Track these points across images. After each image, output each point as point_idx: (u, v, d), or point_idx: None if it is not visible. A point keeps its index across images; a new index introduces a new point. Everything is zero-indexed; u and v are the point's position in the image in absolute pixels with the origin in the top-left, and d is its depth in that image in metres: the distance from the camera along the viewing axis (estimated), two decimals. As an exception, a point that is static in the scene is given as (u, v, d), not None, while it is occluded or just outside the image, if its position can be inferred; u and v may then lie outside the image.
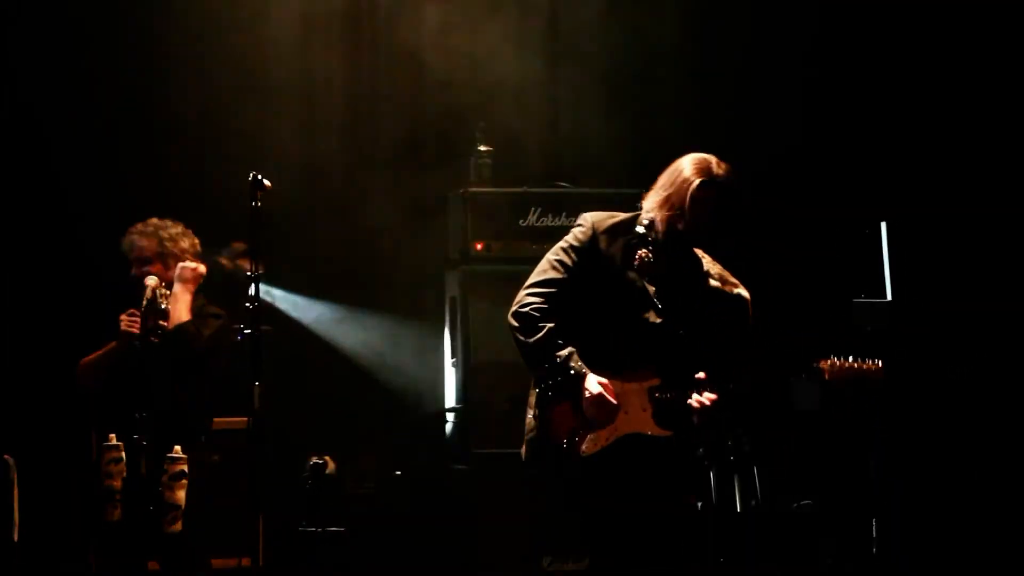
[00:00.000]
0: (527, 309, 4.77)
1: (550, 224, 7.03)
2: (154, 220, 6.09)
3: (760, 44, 7.67)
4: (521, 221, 7.14)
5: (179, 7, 7.42)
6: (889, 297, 6.67)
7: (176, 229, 6.06)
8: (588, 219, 4.85)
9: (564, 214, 7.06)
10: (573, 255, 4.79)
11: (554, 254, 4.82)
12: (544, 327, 4.74)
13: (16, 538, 6.22)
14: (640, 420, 4.73)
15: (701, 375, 4.72)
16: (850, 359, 4.71)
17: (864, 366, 4.72)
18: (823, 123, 7.64)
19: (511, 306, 4.80)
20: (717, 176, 4.72)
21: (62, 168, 7.27)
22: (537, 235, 6.96)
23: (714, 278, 4.87)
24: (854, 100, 7.64)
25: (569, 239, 4.82)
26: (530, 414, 4.85)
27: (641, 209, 4.85)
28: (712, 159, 4.77)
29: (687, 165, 4.76)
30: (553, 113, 7.74)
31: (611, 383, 4.72)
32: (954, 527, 6.90)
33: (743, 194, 4.74)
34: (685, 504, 4.84)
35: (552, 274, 4.79)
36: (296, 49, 7.51)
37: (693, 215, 4.72)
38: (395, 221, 7.50)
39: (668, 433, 4.72)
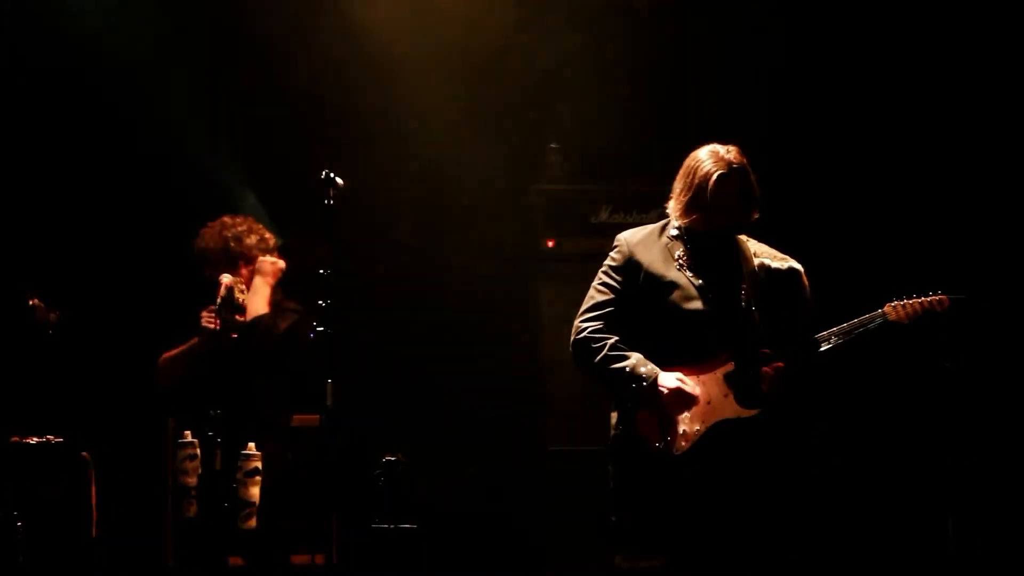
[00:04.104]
0: (584, 334, 4.85)
1: (622, 221, 6.99)
2: (224, 219, 6.10)
3: (830, 35, 7.60)
4: (592, 218, 7.12)
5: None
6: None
7: (242, 227, 6.07)
8: (621, 238, 4.98)
9: (635, 211, 7.03)
10: (615, 275, 4.89)
11: (597, 279, 4.94)
12: (604, 343, 4.81)
13: (94, 534, 6.28)
14: (724, 406, 4.77)
15: (766, 350, 4.75)
16: (913, 296, 4.83)
17: (927, 301, 4.77)
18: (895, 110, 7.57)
19: (572, 332, 4.90)
20: (731, 163, 4.77)
21: (142, 157, 7.36)
22: (609, 232, 6.86)
23: (761, 255, 4.90)
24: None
25: (607, 262, 4.94)
26: (613, 432, 4.87)
27: (668, 215, 4.89)
28: (719, 147, 4.84)
29: (699, 164, 4.82)
30: (625, 110, 7.70)
31: (687, 377, 4.74)
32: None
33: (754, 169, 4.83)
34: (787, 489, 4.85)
35: (600, 297, 4.89)
36: (369, 36, 7.53)
37: (720, 207, 4.79)
38: (466, 217, 7.52)
39: (755, 412, 4.74)
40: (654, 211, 6.69)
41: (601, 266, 4.97)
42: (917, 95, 7.50)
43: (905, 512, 7.09)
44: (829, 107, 7.56)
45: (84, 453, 6.27)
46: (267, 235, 6.13)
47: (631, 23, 7.71)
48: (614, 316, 4.86)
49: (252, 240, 6.06)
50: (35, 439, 5.95)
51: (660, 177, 7.04)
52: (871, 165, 7.53)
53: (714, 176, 4.76)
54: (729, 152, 4.82)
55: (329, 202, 5.45)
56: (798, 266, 4.96)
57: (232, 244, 6.03)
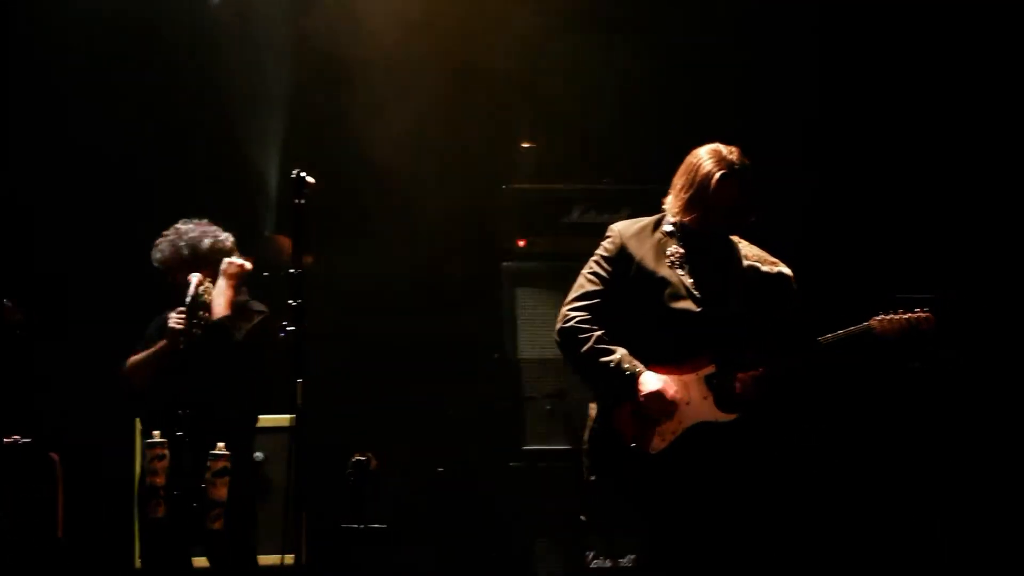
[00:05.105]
0: (571, 323, 4.83)
1: (594, 221, 6.98)
2: (178, 226, 6.06)
3: (803, 37, 7.61)
4: (565, 218, 7.11)
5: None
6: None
7: (195, 233, 6.03)
8: (615, 228, 4.94)
9: (607, 211, 7.02)
10: (606, 265, 4.86)
11: (588, 268, 4.90)
12: (591, 335, 4.78)
13: (60, 535, 6.25)
14: (703, 409, 4.76)
15: (750, 355, 4.74)
16: (900, 311, 4.80)
17: (914, 316, 4.76)
18: (865, 117, 7.58)
19: (556, 321, 4.91)
20: (733, 164, 4.78)
21: (114, 162, 7.33)
22: (581, 231, 6.92)
23: (751, 259, 4.89)
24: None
25: (599, 251, 4.90)
26: (591, 424, 4.86)
27: (664, 211, 4.88)
28: (721, 148, 4.84)
29: (701, 162, 4.82)
30: (598, 109, 7.70)
31: (668, 377, 4.73)
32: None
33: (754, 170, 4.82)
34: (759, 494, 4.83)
35: (589, 287, 4.86)
36: (339, 37, 7.50)
37: (720, 207, 4.78)
38: (438, 217, 7.50)
39: (734, 416, 4.73)
40: (625, 210, 6.73)
41: (592, 255, 4.95)
42: (899, 95, 7.51)
43: (880, 513, 7.09)
44: (808, 106, 7.57)
45: (51, 453, 6.24)
46: (223, 236, 6.08)
47: (604, 23, 7.72)
48: (602, 307, 4.84)
49: (207, 244, 6.02)
50: (2, 439, 5.91)
51: (632, 177, 7.13)
52: (847, 168, 7.55)
53: (716, 176, 4.76)
54: (732, 153, 4.82)
55: (300, 201, 5.43)
56: (788, 271, 4.95)
57: (187, 251, 5.99)
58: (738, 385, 4.76)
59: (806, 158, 7.51)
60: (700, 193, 4.78)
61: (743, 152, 4.86)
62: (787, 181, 7.34)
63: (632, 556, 6.34)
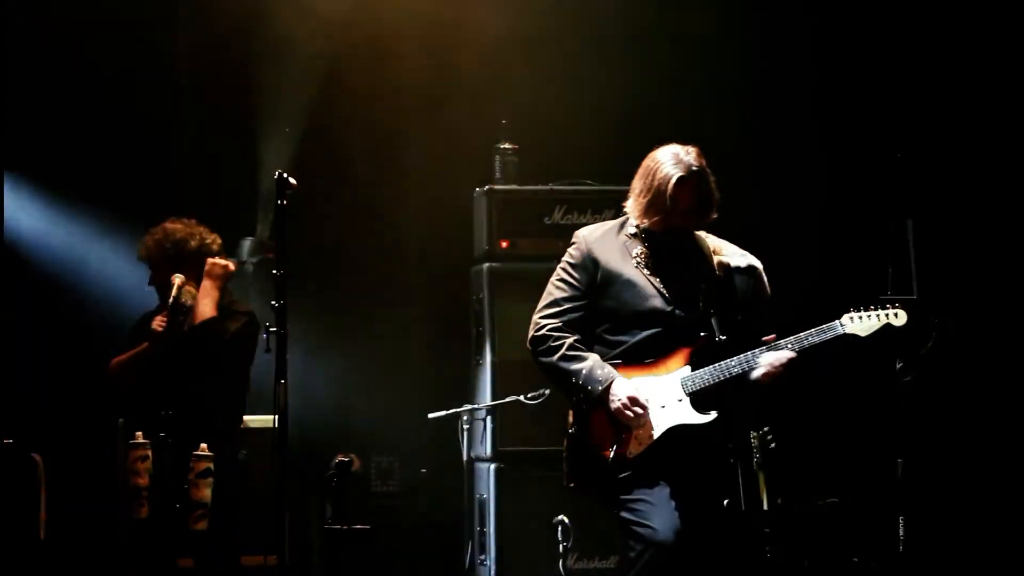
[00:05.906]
0: (542, 332, 4.83)
1: (575, 222, 6.99)
2: (165, 225, 6.06)
3: (784, 37, 7.65)
4: (546, 219, 7.13)
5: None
6: (915, 294, 6.65)
7: (183, 232, 6.02)
8: (580, 235, 4.93)
9: (589, 212, 7.04)
10: (573, 272, 4.86)
11: (556, 276, 4.89)
12: (562, 343, 4.78)
13: (42, 536, 6.24)
14: (679, 411, 4.75)
15: (723, 354, 4.74)
16: (872, 307, 4.79)
17: (884, 313, 4.79)
18: (849, 118, 7.61)
19: (530, 328, 4.88)
20: (691, 165, 4.74)
21: (93, 164, 7.32)
22: (562, 233, 6.89)
23: (719, 253, 4.88)
24: (880, 94, 7.61)
25: (566, 259, 4.89)
26: (568, 431, 4.86)
27: (626, 213, 4.88)
28: (679, 148, 4.79)
29: (658, 165, 4.77)
30: (578, 111, 7.72)
31: (642, 380, 4.73)
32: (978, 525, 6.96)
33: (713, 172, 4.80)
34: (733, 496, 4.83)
35: (558, 294, 4.85)
36: (317, 42, 7.50)
37: (680, 208, 4.75)
38: (420, 218, 7.51)
39: (711, 416, 4.73)
40: (607, 212, 6.76)
41: (560, 262, 4.96)
42: (889, 91, 7.56)
43: (857, 513, 7.12)
44: (791, 109, 7.61)
45: (34, 455, 6.23)
46: (210, 238, 6.08)
47: (586, 25, 7.74)
48: (572, 313, 4.83)
49: (193, 244, 6.02)
50: (-15, 440, 5.91)
51: (613, 178, 7.15)
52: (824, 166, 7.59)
53: (673, 179, 4.72)
54: (689, 154, 4.77)
55: (282, 202, 5.43)
56: (757, 263, 4.93)
57: (172, 250, 5.99)
58: (713, 385, 4.76)
59: (789, 155, 7.55)
60: (658, 197, 4.74)
61: (701, 152, 4.82)
62: (768, 178, 7.42)
63: (614, 557, 6.38)
